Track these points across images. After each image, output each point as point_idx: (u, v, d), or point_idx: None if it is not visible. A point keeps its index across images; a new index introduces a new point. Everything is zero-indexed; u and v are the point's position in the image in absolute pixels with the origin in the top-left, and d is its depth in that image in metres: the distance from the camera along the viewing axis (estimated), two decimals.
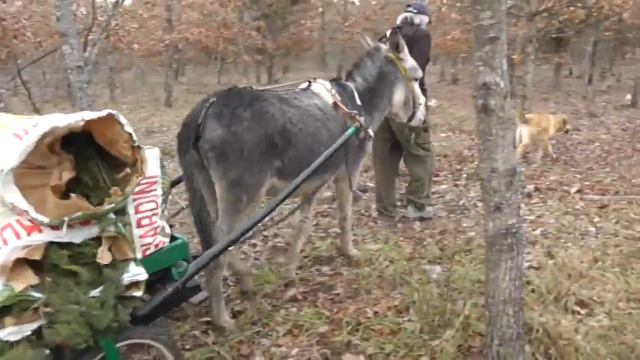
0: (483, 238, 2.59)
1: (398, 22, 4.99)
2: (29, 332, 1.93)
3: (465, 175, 6.80)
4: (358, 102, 3.72)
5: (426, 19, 4.92)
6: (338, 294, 3.58)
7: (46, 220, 1.88)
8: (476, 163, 6.75)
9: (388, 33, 4.38)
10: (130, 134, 2.13)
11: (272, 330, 3.17)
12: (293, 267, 3.84)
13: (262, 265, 4.05)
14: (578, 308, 3.29)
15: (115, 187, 2.10)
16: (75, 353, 2.09)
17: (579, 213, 5.19)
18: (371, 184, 6.16)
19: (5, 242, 1.89)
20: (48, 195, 1.93)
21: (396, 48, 4.02)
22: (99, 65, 16.98)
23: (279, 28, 22.33)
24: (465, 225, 4.90)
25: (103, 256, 2.08)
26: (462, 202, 5.65)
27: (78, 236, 2.02)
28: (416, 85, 4.14)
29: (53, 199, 1.93)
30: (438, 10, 11.70)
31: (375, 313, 3.28)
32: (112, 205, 2.05)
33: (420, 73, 4.19)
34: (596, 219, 5.01)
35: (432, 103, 15.67)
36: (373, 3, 17.58)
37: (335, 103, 3.51)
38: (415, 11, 4.87)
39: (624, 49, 20.33)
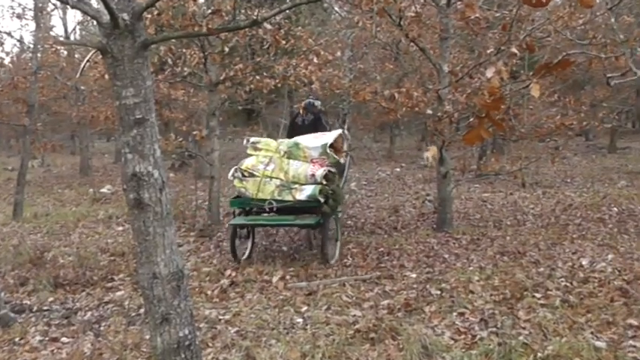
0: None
1: (303, 105, 8.27)
2: (322, 200, 6.61)
3: None
4: None
5: (320, 103, 8.62)
6: None
7: (337, 158, 7.27)
8: None
9: (304, 104, 8.27)
10: (344, 139, 7.94)
11: None
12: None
13: None
14: None
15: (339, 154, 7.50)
16: (327, 214, 6.70)
17: (284, 304, 5.15)
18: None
19: (317, 169, 6.90)
20: (334, 153, 7.28)
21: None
22: None
23: None
24: (147, 337, 4.37)
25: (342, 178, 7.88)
26: (143, 309, 4.99)
27: (333, 169, 7.17)
28: None
29: (333, 155, 7.23)
30: None
31: None
32: (341, 159, 7.55)
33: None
34: (304, 308, 5.00)
35: (106, 189, 14.55)
36: (24, 68, 16.05)
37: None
38: (314, 98, 8.44)
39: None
